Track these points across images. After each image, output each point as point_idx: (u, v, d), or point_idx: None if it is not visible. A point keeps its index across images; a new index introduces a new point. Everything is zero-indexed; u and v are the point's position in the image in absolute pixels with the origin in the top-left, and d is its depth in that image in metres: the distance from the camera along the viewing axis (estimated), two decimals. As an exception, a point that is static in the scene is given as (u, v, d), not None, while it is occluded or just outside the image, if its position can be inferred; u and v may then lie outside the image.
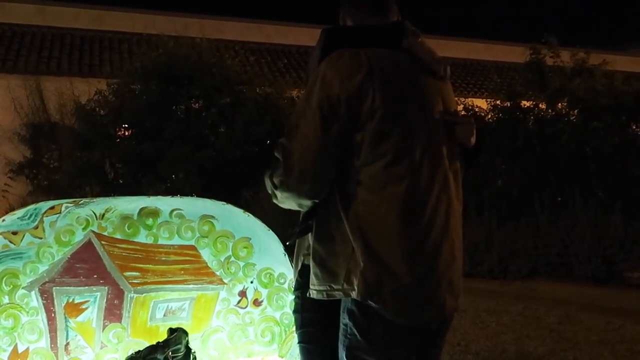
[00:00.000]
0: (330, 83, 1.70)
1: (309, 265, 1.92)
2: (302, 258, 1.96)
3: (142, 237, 2.58)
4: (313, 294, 1.83)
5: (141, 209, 2.59)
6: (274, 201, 1.86)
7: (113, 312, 2.52)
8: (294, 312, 2.02)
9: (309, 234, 1.92)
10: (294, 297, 2.03)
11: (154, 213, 2.60)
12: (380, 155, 1.71)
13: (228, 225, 2.69)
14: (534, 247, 8.22)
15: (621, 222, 7.91)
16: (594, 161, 9.31)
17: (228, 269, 2.69)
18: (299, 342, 2.00)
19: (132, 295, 2.54)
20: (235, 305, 2.70)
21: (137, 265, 2.56)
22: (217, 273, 2.67)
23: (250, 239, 2.72)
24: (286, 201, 1.80)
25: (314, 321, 1.94)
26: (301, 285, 1.96)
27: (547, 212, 8.30)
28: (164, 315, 2.60)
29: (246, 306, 2.71)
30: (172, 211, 2.63)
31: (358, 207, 1.73)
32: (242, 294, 2.71)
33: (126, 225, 2.56)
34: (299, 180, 1.72)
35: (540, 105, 10.28)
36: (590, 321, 5.62)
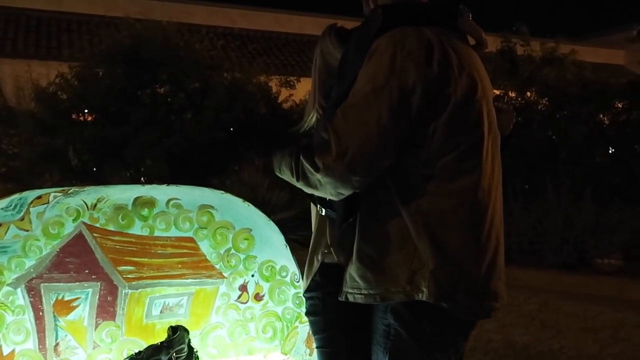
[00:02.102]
0: (402, 68, 1.52)
1: (330, 264, 1.79)
2: (320, 257, 1.82)
3: (137, 229, 2.41)
4: (359, 298, 1.68)
5: (136, 199, 2.41)
6: (298, 184, 1.65)
7: (106, 309, 2.35)
8: (313, 314, 1.88)
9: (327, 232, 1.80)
10: (309, 298, 1.89)
11: (150, 203, 2.43)
12: (453, 147, 1.58)
13: (228, 216, 2.54)
14: (507, 235, 8.22)
15: (592, 210, 8.02)
16: (563, 149, 9.42)
17: (228, 262, 2.53)
18: (319, 347, 1.86)
19: (126, 291, 2.37)
20: (236, 300, 2.55)
21: (132, 258, 2.39)
22: (217, 266, 2.52)
23: (251, 230, 2.57)
24: (322, 188, 1.59)
25: (338, 324, 1.81)
26: (320, 285, 1.82)
27: (519, 201, 8.36)
28: (161, 312, 2.44)
29: (247, 301, 2.57)
30: (169, 201, 2.46)
31: (423, 202, 1.59)
32: (243, 288, 2.56)
33: (120, 216, 2.38)
34: (349, 168, 1.53)
35: (510, 94, 10.35)
36: (569, 308, 5.67)
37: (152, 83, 10.62)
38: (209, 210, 2.51)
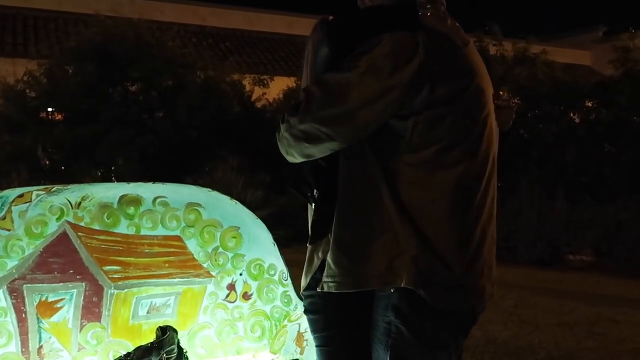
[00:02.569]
0: (385, 65, 1.54)
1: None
2: (320, 254, 1.79)
3: (123, 228, 2.34)
4: (332, 286, 1.66)
5: (121, 197, 2.35)
6: (286, 141, 1.65)
7: (91, 310, 2.28)
8: (313, 313, 1.84)
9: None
10: (308, 296, 1.86)
11: (136, 201, 2.37)
12: (434, 140, 1.57)
13: (215, 214, 2.49)
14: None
15: (564, 207, 8.16)
16: (535, 148, 9.56)
17: (216, 260, 2.49)
18: (319, 346, 1.83)
19: (112, 291, 2.31)
20: (224, 300, 2.51)
21: (118, 258, 2.33)
22: (204, 265, 2.47)
23: (239, 228, 2.53)
24: (281, 143, 1.65)
25: (338, 322, 1.79)
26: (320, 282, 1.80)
27: (493, 198, 8.43)
28: (148, 313, 2.38)
29: (235, 300, 2.53)
30: (155, 199, 2.40)
31: (405, 192, 1.58)
32: (231, 287, 2.52)
33: (105, 215, 2.32)
34: (304, 134, 1.58)
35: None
36: (545, 304, 5.75)
37: (123, 81, 10.46)
38: (196, 208, 2.46)
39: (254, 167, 10.38)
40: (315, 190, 1.73)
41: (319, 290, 1.71)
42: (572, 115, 9.88)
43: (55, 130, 10.10)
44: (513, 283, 6.66)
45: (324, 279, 1.69)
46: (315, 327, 1.85)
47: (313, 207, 1.78)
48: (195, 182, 9.15)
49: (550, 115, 9.47)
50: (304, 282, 1.87)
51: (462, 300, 1.64)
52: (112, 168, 10.11)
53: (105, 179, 10.20)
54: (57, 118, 10.69)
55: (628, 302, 5.92)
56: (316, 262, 1.80)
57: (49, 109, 10.48)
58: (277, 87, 13.11)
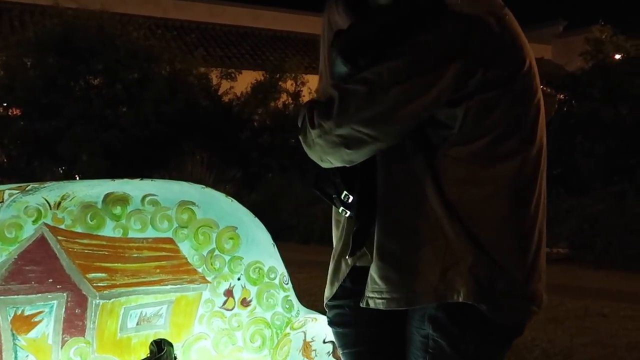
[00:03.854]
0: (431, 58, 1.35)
1: (362, 268, 1.55)
2: (350, 260, 1.58)
3: (109, 230, 2.10)
4: (380, 303, 1.45)
5: (106, 195, 2.10)
6: (320, 148, 1.42)
7: (74, 323, 2.03)
8: (341, 325, 1.62)
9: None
10: (335, 307, 1.64)
11: (123, 200, 2.12)
12: (488, 129, 1.37)
13: (211, 213, 2.26)
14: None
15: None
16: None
17: (212, 264, 2.26)
18: None
19: (97, 301, 2.06)
20: (221, 307, 2.28)
21: (103, 264, 2.08)
22: (199, 270, 2.24)
23: (237, 228, 2.30)
24: (313, 149, 1.42)
25: (371, 337, 1.58)
26: (351, 292, 1.57)
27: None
28: (137, 324, 2.14)
29: (233, 307, 2.30)
30: (144, 197, 2.16)
31: (455, 191, 1.37)
32: (229, 293, 2.29)
33: (88, 216, 2.07)
34: (342, 139, 1.36)
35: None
36: (531, 299, 5.65)
37: (85, 74, 10.04)
38: (190, 207, 2.23)
39: (224, 162, 10.11)
40: (346, 194, 1.50)
41: (362, 304, 1.49)
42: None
43: (14, 126, 9.63)
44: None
45: (369, 294, 1.48)
46: (344, 342, 1.64)
47: (341, 211, 1.55)
48: (162, 178, 8.87)
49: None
50: (329, 292, 1.65)
51: (526, 311, 1.45)
52: (75, 165, 9.69)
53: (68, 176, 9.78)
54: (15, 113, 10.19)
55: (611, 295, 5.87)
56: (344, 269, 1.58)
57: (8, 104, 9.98)
58: (245, 81, 12.82)
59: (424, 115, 1.38)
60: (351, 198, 1.51)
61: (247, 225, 2.33)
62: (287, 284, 2.40)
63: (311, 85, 12.63)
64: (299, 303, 2.42)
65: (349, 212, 1.53)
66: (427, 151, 1.40)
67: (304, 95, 12.39)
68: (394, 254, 1.43)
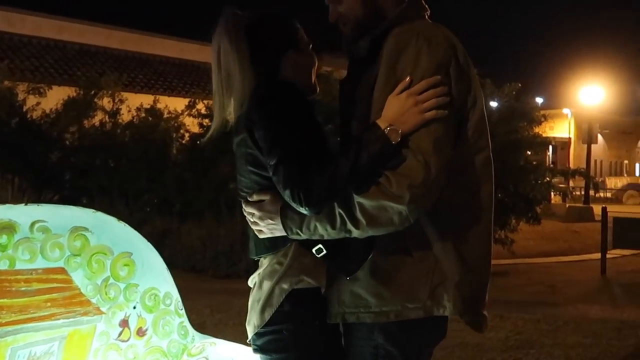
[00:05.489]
0: (440, 68, 1.48)
1: (303, 290, 1.59)
2: (288, 282, 1.61)
3: (-6, 262, 1.88)
4: (366, 317, 1.53)
5: (-11, 224, 1.88)
6: (348, 233, 1.47)
7: (-47, 371, 1.78)
8: (279, 352, 1.63)
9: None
10: (270, 332, 1.64)
11: (9, 227, 1.91)
12: (478, 150, 1.52)
13: (104, 239, 2.12)
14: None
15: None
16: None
17: (106, 293, 2.11)
18: None
19: (-21, 343, 1.83)
20: (116, 339, 2.14)
21: (-13, 301, 1.85)
22: (93, 300, 2.08)
23: (132, 253, 2.18)
24: (397, 220, 1.44)
25: (312, 356, 1.62)
26: (290, 316, 1.60)
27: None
28: (26, 365, 1.93)
29: (129, 338, 2.17)
30: (33, 224, 1.96)
31: (449, 212, 1.50)
32: (124, 323, 2.16)
33: (-30, 247, 1.83)
34: (436, 185, 1.43)
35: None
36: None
37: None
38: (83, 233, 2.07)
39: (37, 184, 9.29)
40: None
41: (335, 321, 1.54)
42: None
43: None
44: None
45: (347, 309, 1.54)
46: None
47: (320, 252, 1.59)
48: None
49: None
50: (260, 319, 1.63)
51: (485, 317, 1.61)
52: None
53: None
54: None
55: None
56: (279, 294, 1.60)
57: None
58: (56, 96, 11.90)
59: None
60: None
61: (142, 250, 2.22)
62: (182, 309, 2.33)
63: (130, 103, 12.13)
64: (192, 328, 2.36)
65: (322, 251, 1.58)
66: None
67: (122, 114, 11.83)
68: (387, 272, 1.51)
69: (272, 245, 1.64)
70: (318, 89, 1.80)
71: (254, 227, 1.64)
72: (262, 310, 1.64)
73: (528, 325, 5.36)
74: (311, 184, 1.46)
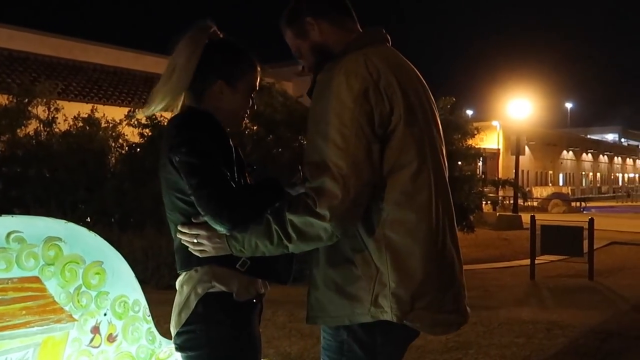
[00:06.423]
0: (357, 97, 1.64)
1: (215, 294, 1.77)
2: (199, 290, 1.77)
3: (-30, 272, 1.92)
4: (329, 321, 1.73)
5: (-33, 234, 1.93)
6: (285, 248, 1.65)
7: None
8: (191, 349, 1.80)
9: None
10: (184, 332, 1.81)
11: (-14, 238, 1.96)
12: (404, 165, 1.67)
13: (77, 248, 2.19)
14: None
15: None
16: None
17: (78, 301, 2.19)
18: None
19: (-43, 351, 1.87)
20: (88, 345, 2.21)
21: (-36, 310, 1.90)
22: (66, 308, 2.15)
23: (102, 262, 2.26)
24: (323, 236, 1.60)
25: (228, 353, 1.79)
26: (203, 317, 1.78)
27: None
28: (2, 372, 1.98)
29: (100, 344, 2.24)
30: (9, 234, 2.02)
31: (385, 224, 1.65)
32: (95, 330, 2.23)
33: (-52, 258, 1.88)
34: (354, 204, 1.60)
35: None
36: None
37: None
38: (57, 243, 2.14)
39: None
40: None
41: (309, 323, 1.73)
42: (301, 139, 10.74)
43: None
44: (281, 300, 6.94)
45: (316, 313, 1.76)
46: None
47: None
48: None
49: (286, 140, 10.18)
50: (178, 320, 1.81)
51: (447, 322, 1.76)
52: None
53: None
54: None
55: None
56: (194, 298, 1.77)
57: None
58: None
59: None
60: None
61: (112, 259, 2.31)
62: (149, 316, 2.42)
63: (66, 112, 11.86)
64: (159, 334, 2.45)
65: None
66: None
67: (59, 122, 11.56)
68: (336, 282, 1.70)
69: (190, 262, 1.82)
70: (242, 127, 1.99)
71: (196, 248, 1.76)
72: (180, 312, 1.82)
73: (466, 328, 5.62)
74: (231, 203, 1.65)
